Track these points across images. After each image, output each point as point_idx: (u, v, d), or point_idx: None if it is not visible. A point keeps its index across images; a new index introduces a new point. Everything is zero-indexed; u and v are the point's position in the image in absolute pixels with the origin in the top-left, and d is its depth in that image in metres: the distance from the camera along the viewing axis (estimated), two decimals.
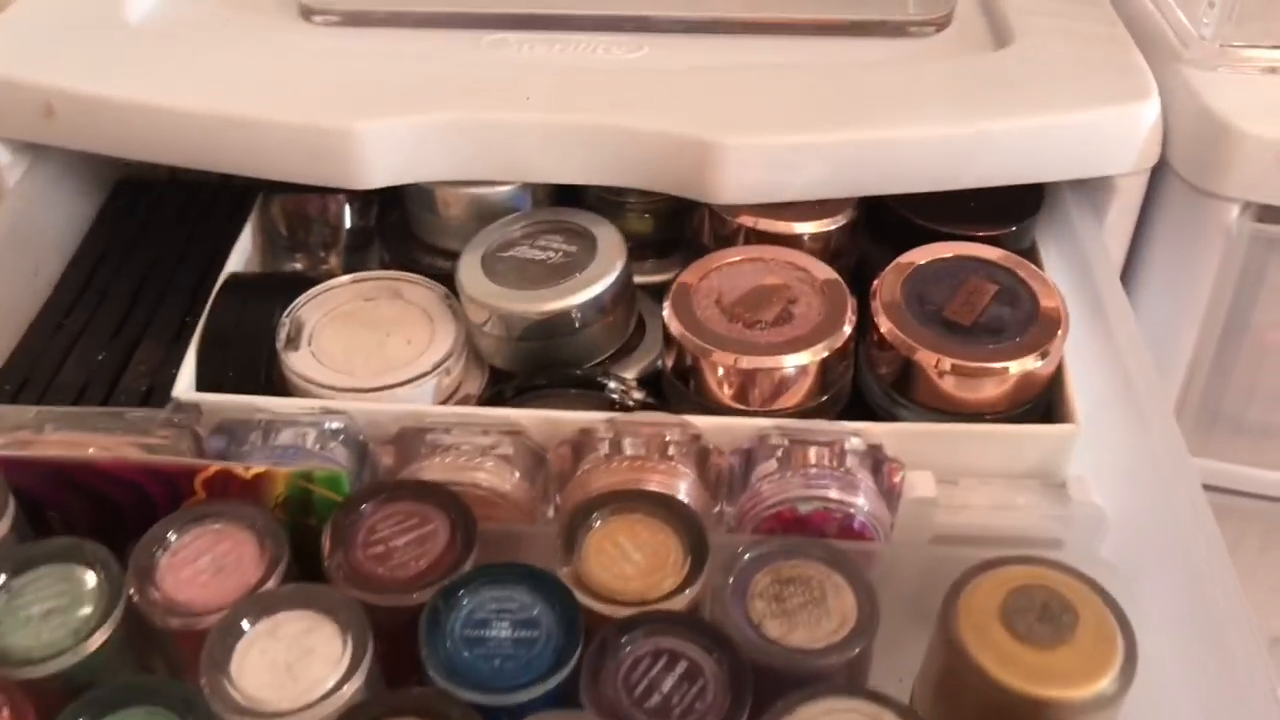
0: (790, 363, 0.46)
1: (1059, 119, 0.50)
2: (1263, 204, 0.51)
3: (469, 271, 0.49)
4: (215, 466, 0.40)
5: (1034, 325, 0.47)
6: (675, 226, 0.57)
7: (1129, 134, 0.51)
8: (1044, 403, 0.48)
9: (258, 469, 0.40)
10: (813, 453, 0.44)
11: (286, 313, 0.49)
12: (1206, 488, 0.59)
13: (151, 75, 0.52)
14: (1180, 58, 0.54)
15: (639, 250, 0.56)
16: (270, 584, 0.37)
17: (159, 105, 0.50)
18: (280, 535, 0.39)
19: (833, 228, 0.52)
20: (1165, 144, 0.52)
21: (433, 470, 0.43)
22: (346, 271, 0.55)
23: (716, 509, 0.45)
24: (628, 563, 0.39)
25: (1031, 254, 0.54)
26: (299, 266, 0.56)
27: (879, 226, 0.54)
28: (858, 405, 0.50)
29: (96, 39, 0.54)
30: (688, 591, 0.38)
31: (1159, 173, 0.53)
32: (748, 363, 0.46)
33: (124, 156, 0.52)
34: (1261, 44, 0.53)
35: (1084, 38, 0.55)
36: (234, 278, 0.51)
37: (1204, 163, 0.51)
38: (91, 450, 0.42)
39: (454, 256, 0.54)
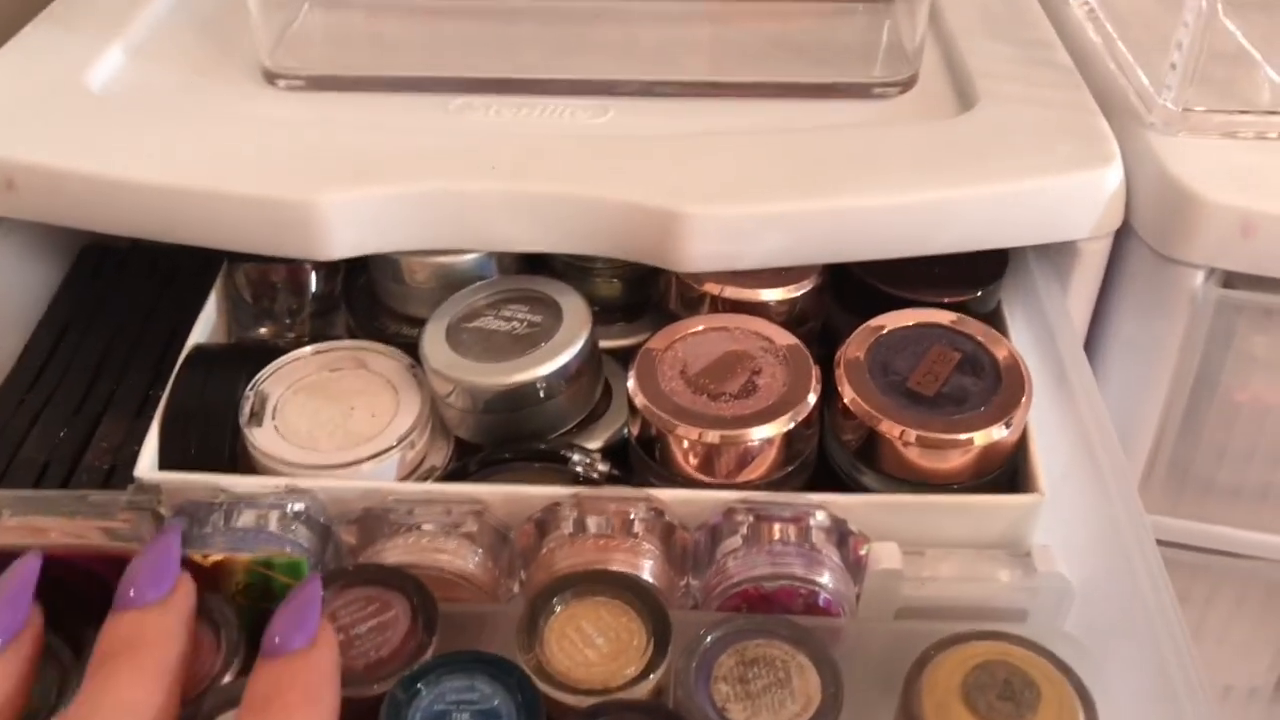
0: (756, 436, 0.46)
1: (1022, 185, 0.50)
2: (1228, 270, 0.51)
3: (433, 343, 0.49)
4: None
5: (997, 394, 0.47)
6: (643, 290, 0.57)
7: (1092, 199, 0.51)
8: (1009, 470, 0.48)
9: (216, 557, 0.40)
10: (777, 528, 0.44)
11: (250, 386, 0.49)
12: (1179, 546, 0.59)
13: (114, 147, 0.52)
14: (1143, 121, 0.54)
15: (607, 314, 0.56)
16: (229, 677, 0.37)
17: (121, 178, 0.50)
18: (237, 626, 0.38)
19: (799, 294, 0.52)
20: (1129, 209, 0.52)
21: (395, 551, 0.43)
22: (313, 338, 0.55)
23: (682, 583, 0.45)
24: (590, 648, 0.39)
25: (997, 317, 0.54)
26: (264, 333, 0.55)
27: (844, 291, 0.54)
28: (823, 470, 0.50)
29: (58, 109, 0.54)
30: (651, 677, 0.38)
31: (1124, 237, 0.53)
32: (713, 436, 0.46)
33: (86, 229, 0.52)
34: (1223, 108, 0.54)
35: (1047, 102, 0.55)
36: (198, 350, 0.51)
37: (1168, 229, 0.51)
38: (52, 536, 0.42)
39: (420, 324, 0.54)
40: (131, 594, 0.35)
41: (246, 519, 0.44)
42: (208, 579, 0.40)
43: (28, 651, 0.34)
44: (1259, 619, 0.63)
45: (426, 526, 0.44)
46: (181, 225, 0.50)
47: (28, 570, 0.36)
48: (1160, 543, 0.59)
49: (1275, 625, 0.63)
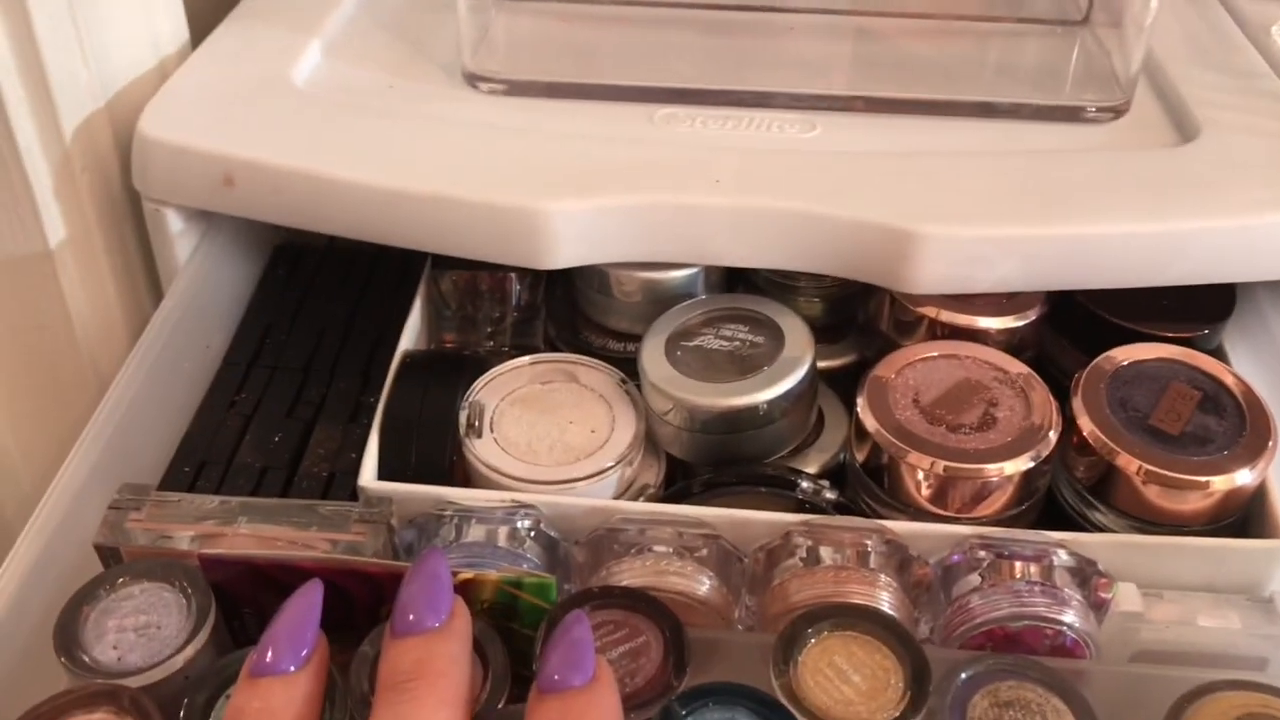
0: (995, 471, 0.44)
1: (1259, 220, 0.49)
2: None
3: (652, 359, 0.48)
4: None
5: (1242, 436, 0.45)
6: (845, 311, 0.56)
7: None
8: (1242, 517, 0.47)
9: (466, 575, 0.39)
10: (1019, 566, 0.43)
11: (466, 396, 0.48)
12: None
13: (328, 145, 0.51)
14: None
15: None
16: (501, 702, 0.36)
17: (342, 178, 0.49)
18: (495, 640, 0.37)
19: (1020, 324, 0.51)
20: None
21: (630, 573, 0.42)
22: (512, 348, 0.54)
23: (916, 618, 0.44)
24: (847, 685, 0.38)
25: (1218, 355, 0.52)
26: (462, 340, 0.55)
27: (1061, 319, 0.53)
28: (1049, 505, 0.48)
29: (269, 105, 0.54)
30: None
31: None
32: (951, 469, 0.44)
33: (304, 228, 0.51)
34: None
35: (1273, 135, 0.53)
36: (410, 357, 0.50)
37: None
38: (280, 546, 0.41)
39: (624, 338, 0.53)
40: (411, 618, 0.34)
41: (476, 534, 0.43)
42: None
43: (318, 676, 0.34)
44: None
45: (659, 548, 0.43)
46: (404, 227, 0.49)
47: (313, 595, 0.35)
48: None
49: None
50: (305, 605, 0.35)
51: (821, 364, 0.54)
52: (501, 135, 0.52)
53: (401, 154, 0.51)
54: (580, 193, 0.48)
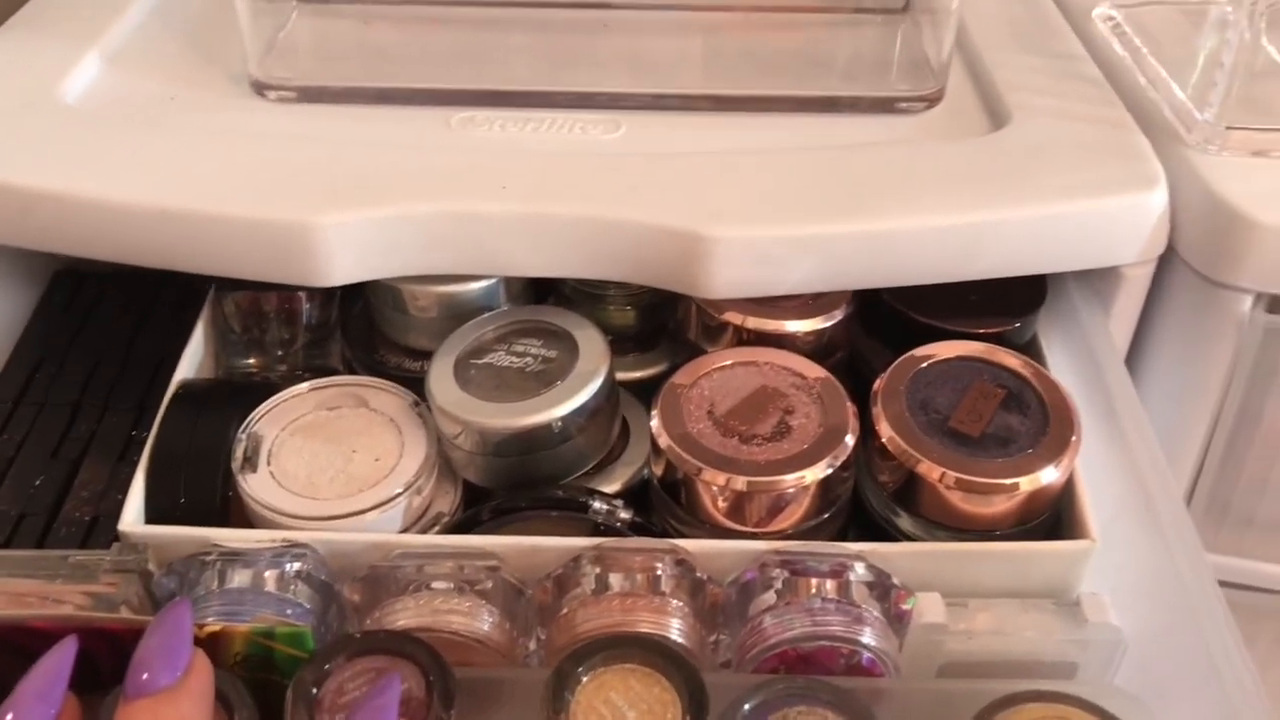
0: (790, 482, 0.43)
1: (1065, 207, 0.47)
2: (1277, 295, 0.49)
3: (439, 381, 0.46)
4: None
5: (1045, 435, 0.44)
6: (659, 318, 0.54)
7: (1137, 222, 0.48)
8: (1054, 515, 0.45)
9: (213, 627, 0.36)
10: (814, 583, 0.41)
11: (243, 428, 0.45)
12: (1220, 584, 0.57)
13: (92, 164, 0.48)
14: (1182, 141, 0.51)
15: (620, 344, 0.53)
16: None
17: (101, 198, 0.46)
18: (244, 696, 0.35)
19: (827, 325, 0.49)
20: (1173, 232, 0.49)
21: (405, 614, 0.40)
22: (306, 370, 0.51)
23: (712, 639, 0.42)
24: None
25: (1033, 348, 0.51)
26: (253, 365, 0.52)
27: (872, 320, 0.51)
28: (857, 512, 0.47)
29: (33, 123, 0.50)
30: None
31: (1167, 261, 0.50)
32: (744, 483, 0.43)
33: (62, 253, 0.48)
34: (1268, 125, 0.51)
35: (1084, 120, 0.52)
36: (185, 387, 0.47)
37: (1214, 252, 0.48)
38: (31, 602, 0.38)
39: (422, 355, 0.51)
40: (144, 677, 0.32)
41: (242, 579, 0.40)
42: (204, 650, 0.36)
43: None
44: None
45: (438, 585, 0.41)
46: (167, 249, 0.46)
47: (63, 658, 0.33)
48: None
49: None
50: (54, 664, 0.33)
51: (634, 374, 0.53)
52: (282, 145, 0.50)
53: (170, 170, 0.48)
54: (357, 204, 0.46)
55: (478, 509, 0.45)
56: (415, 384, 0.48)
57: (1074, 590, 0.44)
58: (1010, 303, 0.50)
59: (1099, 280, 0.51)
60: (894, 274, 0.48)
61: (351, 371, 0.52)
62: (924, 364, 0.46)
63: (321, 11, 0.60)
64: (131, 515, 0.43)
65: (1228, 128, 0.51)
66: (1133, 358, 0.54)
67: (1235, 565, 0.56)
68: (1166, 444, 0.53)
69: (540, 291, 0.53)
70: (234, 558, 0.41)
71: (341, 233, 0.45)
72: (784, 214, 0.47)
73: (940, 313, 0.50)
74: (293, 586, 0.40)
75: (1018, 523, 0.44)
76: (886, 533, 0.46)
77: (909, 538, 0.45)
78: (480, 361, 0.47)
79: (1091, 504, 0.44)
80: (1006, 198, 0.48)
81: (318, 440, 0.46)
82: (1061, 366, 0.50)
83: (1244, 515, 0.55)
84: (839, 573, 0.42)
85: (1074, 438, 0.44)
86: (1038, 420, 0.45)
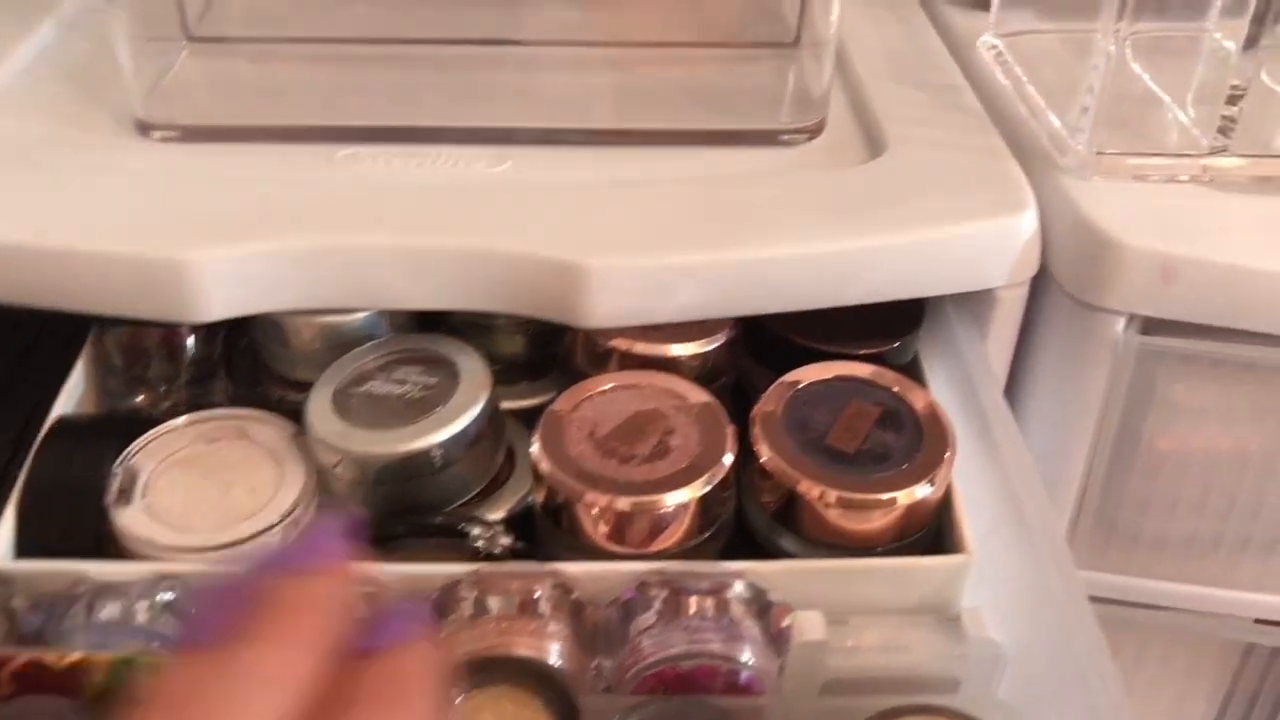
0: (669, 501, 0.43)
1: (936, 233, 0.49)
2: (1148, 316, 0.50)
3: (317, 411, 0.46)
4: (24, 656, 0.36)
5: (920, 450, 0.45)
6: (550, 346, 0.54)
7: (1007, 246, 0.49)
8: (933, 529, 0.46)
9: (72, 657, 0.36)
10: (694, 602, 0.41)
11: (118, 461, 0.45)
12: (1107, 601, 0.58)
13: None
14: (1056, 165, 0.53)
15: (511, 372, 0.53)
16: None
17: None
18: None
19: (710, 348, 0.50)
20: (1045, 255, 0.51)
21: None
22: (191, 407, 0.51)
23: (593, 665, 0.42)
24: None
25: (914, 368, 0.52)
26: (139, 403, 0.51)
27: (757, 344, 0.52)
28: (742, 533, 0.47)
29: None
30: None
31: (1041, 283, 0.52)
32: (624, 503, 0.43)
33: None
34: (1135, 150, 0.53)
35: (957, 147, 0.53)
36: (61, 422, 0.46)
37: (1086, 275, 0.50)
38: None
39: (307, 388, 0.50)
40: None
41: (111, 611, 0.40)
42: (64, 683, 0.36)
43: None
44: (1189, 673, 0.61)
45: None
46: (44, 288, 0.46)
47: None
48: (1090, 599, 0.58)
49: (1206, 679, 0.61)
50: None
51: (524, 402, 0.53)
52: (160, 183, 0.50)
53: (49, 209, 0.47)
54: (230, 239, 0.46)
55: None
56: (300, 416, 0.48)
57: (954, 605, 0.44)
58: (889, 324, 0.51)
59: (975, 303, 0.52)
60: (772, 300, 0.49)
61: (237, 406, 0.51)
62: (801, 385, 0.47)
63: (212, 51, 0.60)
64: (2, 550, 0.42)
65: (1098, 153, 0.52)
66: (1015, 378, 0.55)
67: (1124, 583, 0.57)
68: (1050, 463, 0.54)
69: (430, 320, 0.53)
70: (104, 591, 0.40)
71: (214, 268, 0.45)
72: (662, 244, 0.47)
73: (821, 336, 0.50)
74: (163, 618, 0.40)
75: (897, 539, 0.45)
76: (771, 555, 0.46)
77: (792, 558, 0.46)
78: (360, 390, 0.47)
79: (969, 520, 0.45)
80: (879, 225, 0.49)
81: (195, 473, 0.45)
82: (941, 386, 0.51)
83: (1130, 533, 0.56)
84: (719, 591, 0.42)
85: (948, 453, 0.45)
86: (912, 437, 0.45)
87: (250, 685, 0.25)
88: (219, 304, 0.46)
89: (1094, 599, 0.58)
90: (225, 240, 0.46)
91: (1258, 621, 0.58)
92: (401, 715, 0.27)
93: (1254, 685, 0.61)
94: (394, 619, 0.29)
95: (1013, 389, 0.55)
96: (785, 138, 0.55)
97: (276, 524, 0.44)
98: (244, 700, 0.24)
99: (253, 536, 0.43)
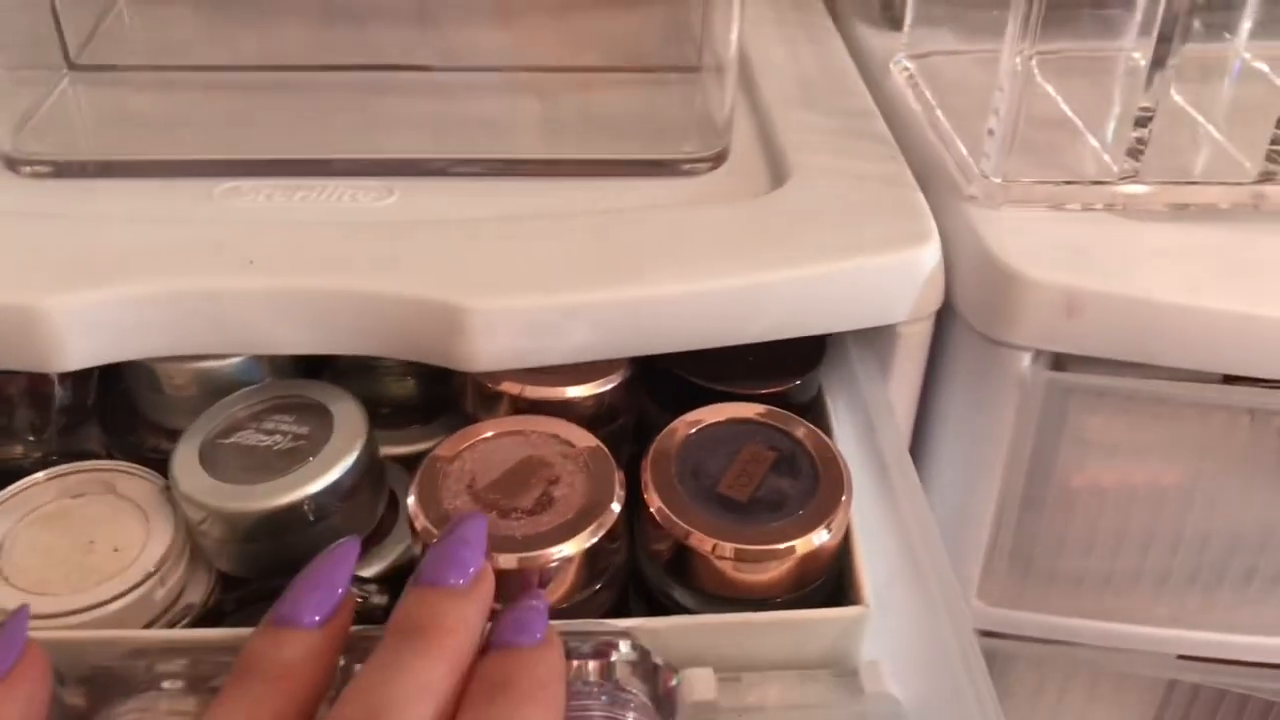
0: (553, 555, 0.41)
1: (834, 267, 0.47)
2: (1055, 351, 0.48)
3: (182, 465, 0.43)
4: None
5: (815, 496, 0.43)
6: (440, 388, 0.52)
7: (908, 280, 0.48)
8: (834, 577, 0.44)
9: None
10: (575, 665, 0.39)
11: None
12: (1027, 640, 0.56)
13: None
14: (962, 194, 0.51)
15: (399, 416, 0.51)
16: None
17: None
18: None
19: (606, 389, 0.48)
20: (950, 289, 0.49)
21: (128, 718, 0.37)
22: (65, 456, 0.48)
23: None
24: None
25: (819, 405, 0.50)
26: (8, 453, 0.49)
27: (655, 383, 0.50)
28: (637, 582, 0.45)
29: None
30: None
31: (947, 318, 0.50)
32: (504, 560, 0.41)
33: None
34: (1046, 178, 0.51)
35: (862, 177, 0.52)
36: None
37: (990, 310, 0.48)
38: None
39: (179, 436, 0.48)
40: (436, 572, 0.36)
41: None
42: None
43: (339, 635, 0.35)
44: (1113, 710, 0.60)
45: (168, 685, 0.38)
46: None
47: (346, 551, 0.37)
48: (1008, 637, 0.56)
49: (1130, 716, 0.60)
50: (336, 560, 0.36)
51: (415, 447, 0.51)
52: (25, 224, 0.47)
53: None
54: (90, 284, 0.43)
55: (222, 598, 0.43)
56: None
57: (854, 658, 0.43)
58: (791, 361, 0.49)
59: (877, 339, 0.50)
60: (668, 340, 0.47)
61: (111, 456, 0.49)
62: (694, 430, 0.45)
63: (95, 80, 0.58)
64: None
65: (1005, 181, 0.51)
66: (924, 414, 0.53)
67: (1043, 621, 0.56)
68: (963, 501, 0.53)
69: (315, 362, 0.51)
70: None
71: (72, 315, 0.43)
72: (551, 282, 0.45)
73: (721, 374, 0.48)
74: None
75: (795, 588, 0.43)
76: (665, 606, 0.44)
77: (687, 611, 0.44)
78: (228, 442, 0.44)
79: (869, 568, 0.43)
80: (775, 260, 0.47)
81: (54, 532, 0.43)
82: (845, 425, 0.49)
83: (1046, 571, 0.54)
84: (603, 653, 0.40)
85: (844, 497, 0.43)
86: (809, 481, 0.44)
87: (421, 695, 0.32)
88: (80, 352, 0.43)
89: (1014, 637, 0.57)
90: (85, 285, 0.43)
91: (1180, 658, 0.57)
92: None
93: None
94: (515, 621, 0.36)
95: (922, 425, 0.53)
96: (687, 167, 0.54)
97: (139, 584, 0.41)
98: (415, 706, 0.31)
99: (114, 599, 0.41)
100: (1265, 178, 0.52)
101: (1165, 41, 0.50)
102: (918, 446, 0.54)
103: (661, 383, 0.50)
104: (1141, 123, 0.51)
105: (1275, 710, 0.58)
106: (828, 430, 0.48)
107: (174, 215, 0.49)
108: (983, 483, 0.52)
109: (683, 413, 0.46)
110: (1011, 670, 0.59)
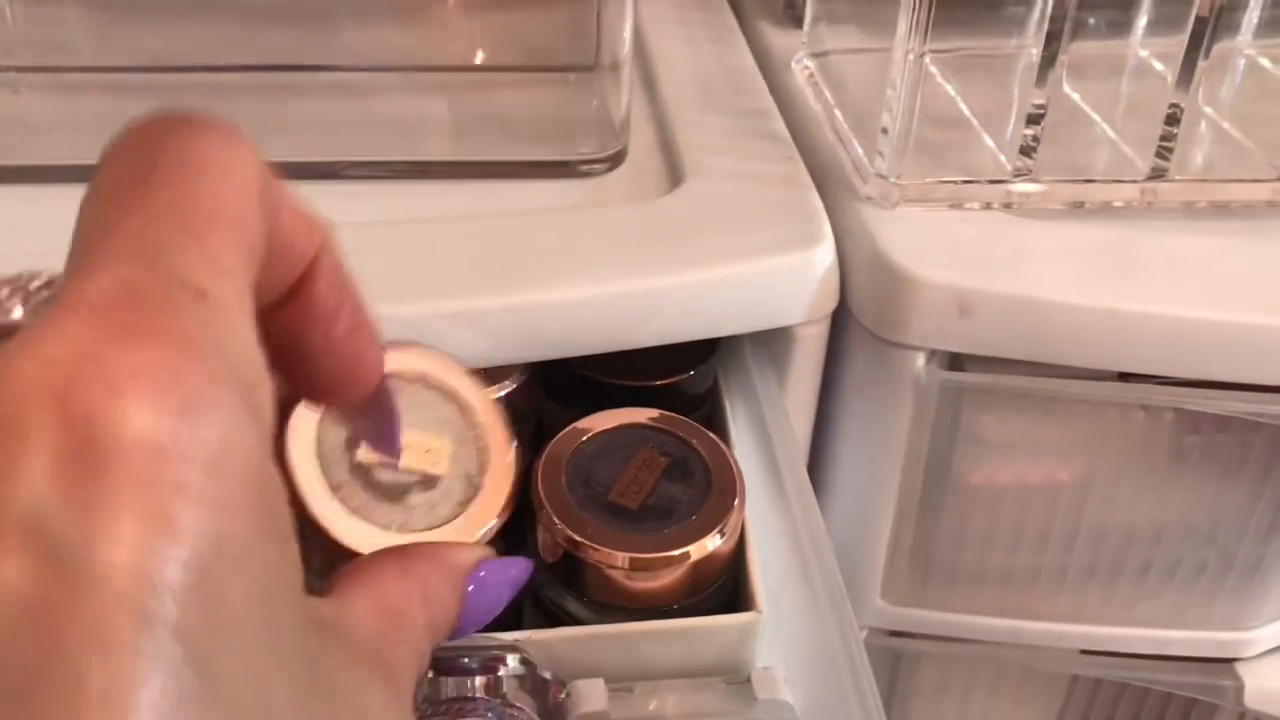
0: None
1: (727, 270, 0.46)
2: (948, 351, 0.48)
3: None
4: None
5: (708, 501, 0.43)
6: None
7: (802, 282, 0.47)
8: (729, 582, 0.44)
9: None
10: (461, 682, 0.39)
11: None
12: (931, 638, 0.56)
13: None
14: (858, 194, 0.51)
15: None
16: None
17: None
18: None
19: (501, 394, 0.47)
20: (844, 290, 0.49)
21: None
22: None
23: None
24: None
25: (716, 396, 0.50)
26: None
27: (552, 383, 0.49)
28: (533, 592, 0.45)
29: None
30: None
31: (842, 319, 0.50)
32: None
33: None
34: (942, 178, 0.51)
35: (758, 177, 0.51)
36: None
37: (883, 310, 0.48)
38: None
39: None
40: None
41: None
42: None
43: None
44: (1017, 707, 0.60)
45: None
46: None
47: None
48: (913, 636, 0.56)
49: (1034, 712, 0.60)
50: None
51: None
52: None
53: None
54: None
55: None
56: None
57: (749, 665, 0.42)
58: (683, 352, 0.49)
59: (773, 341, 0.50)
60: (560, 345, 0.46)
61: None
62: (585, 437, 0.44)
63: None
64: None
65: (899, 181, 0.51)
66: (823, 415, 0.53)
67: (945, 619, 0.56)
68: (862, 501, 0.53)
69: None
70: None
71: None
72: (440, 289, 0.45)
73: (616, 369, 0.48)
74: None
75: (690, 594, 0.43)
76: (559, 617, 0.44)
77: (581, 622, 0.43)
78: None
79: (762, 572, 0.43)
80: (669, 263, 0.46)
81: None
82: (741, 430, 0.48)
83: (947, 569, 0.55)
84: (490, 668, 0.39)
85: (736, 502, 0.42)
86: (701, 486, 0.43)
87: None
88: None
89: (918, 636, 0.57)
90: None
91: (1083, 653, 0.57)
92: None
93: (1082, 716, 0.60)
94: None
95: (821, 427, 0.53)
96: (584, 168, 0.53)
97: None
98: None
99: None
100: (1156, 175, 0.52)
101: (1055, 39, 0.50)
102: (817, 448, 0.54)
103: (559, 381, 0.49)
104: (1034, 120, 0.52)
105: (1174, 702, 0.59)
106: (724, 434, 0.48)
107: (46, 225, 0.47)
108: (882, 483, 0.52)
109: (581, 409, 0.46)
110: (918, 669, 0.59)
